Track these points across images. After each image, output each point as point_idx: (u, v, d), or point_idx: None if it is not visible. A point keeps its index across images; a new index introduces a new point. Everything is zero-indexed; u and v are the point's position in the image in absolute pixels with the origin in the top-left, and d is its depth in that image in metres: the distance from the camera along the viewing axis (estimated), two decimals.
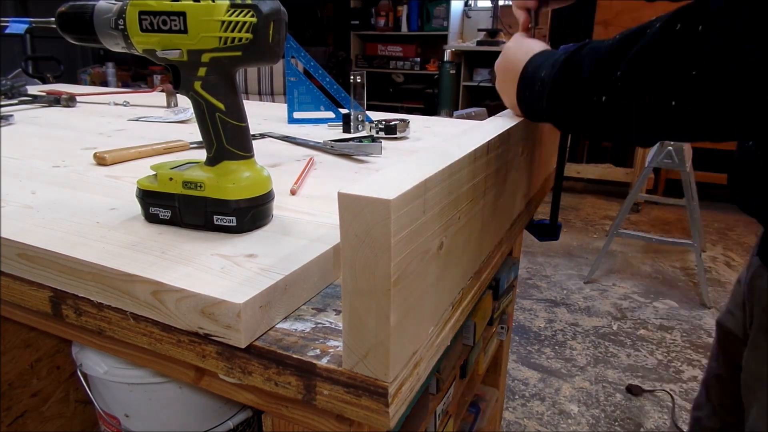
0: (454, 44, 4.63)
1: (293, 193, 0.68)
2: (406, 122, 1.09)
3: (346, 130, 1.14)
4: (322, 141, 0.97)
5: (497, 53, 0.69)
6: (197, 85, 0.51)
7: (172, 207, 0.54)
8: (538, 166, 0.89)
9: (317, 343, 0.41)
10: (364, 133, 1.11)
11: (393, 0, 5.15)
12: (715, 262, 2.84)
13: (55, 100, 1.40)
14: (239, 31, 0.47)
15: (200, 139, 1.00)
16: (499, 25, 4.35)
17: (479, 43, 4.35)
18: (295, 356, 0.39)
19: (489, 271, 0.63)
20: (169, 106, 1.40)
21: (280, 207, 0.62)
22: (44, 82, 2.33)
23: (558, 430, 1.63)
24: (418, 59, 5.16)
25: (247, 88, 3.59)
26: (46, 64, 3.45)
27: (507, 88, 0.64)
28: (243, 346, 0.41)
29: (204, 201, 0.53)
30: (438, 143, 0.50)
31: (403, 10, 5.07)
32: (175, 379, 0.66)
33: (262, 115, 1.34)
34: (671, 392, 1.78)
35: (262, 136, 1.05)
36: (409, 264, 0.36)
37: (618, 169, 3.74)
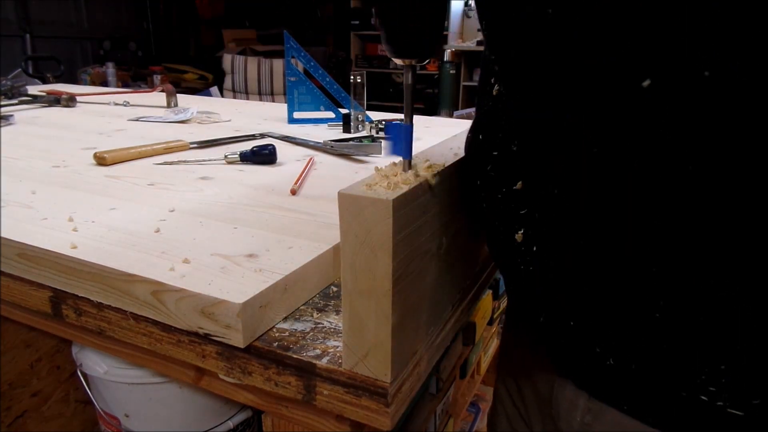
0: (454, 44, 4.63)
1: (293, 193, 0.68)
2: None
3: (346, 130, 1.14)
4: (322, 141, 0.97)
5: None
6: None
7: None
8: None
9: (317, 343, 0.41)
10: (364, 133, 1.11)
11: None
12: None
13: (55, 100, 1.40)
14: None
15: (200, 138, 1.00)
16: None
17: (479, 43, 4.35)
18: (294, 356, 0.39)
19: (489, 271, 0.63)
20: (169, 106, 1.40)
21: (280, 207, 0.62)
22: (44, 82, 2.33)
23: None
24: None
25: (247, 88, 3.59)
26: (46, 64, 3.45)
27: None
28: (243, 346, 0.41)
29: None
30: (438, 143, 0.50)
31: None
32: (175, 379, 0.66)
33: (262, 115, 1.34)
34: None
35: (262, 136, 1.05)
36: (409, 264, 0.36)
37: None
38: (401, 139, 0.37)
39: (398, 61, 0.39)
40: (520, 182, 0.38)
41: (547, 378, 0.46)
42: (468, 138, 0.46)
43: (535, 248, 0.38)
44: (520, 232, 0.39)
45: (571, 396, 0.42)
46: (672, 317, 0.31)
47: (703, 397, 0.32)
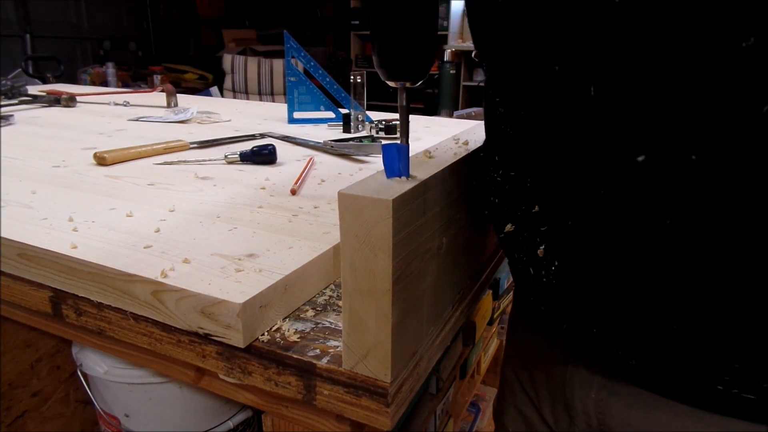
0: (454, 44, 4.63)
1: (293, 193, 0.68)
2: None
3: (346, 130, 1.14)
4: (322, 141, 0.97)
5: None
6: None
7: None
8: None
9: (317, 343, 0.41)
10: (364, 133, 1.11)
11: None
12: None
13: (55, 100, 1.40)
14: None
15: (200, 138, 1.00)
16: None
17: None
18: (295, 356, 0.39)
19: (489, 271, 0.63)
20: (169, 106, 1.40)
21: (280, 207, 0.62)
22: (44, 82, 2.33)
23: None
24: None
25: (247, 88, 3.59)
26: (47, 64, 3.45)
27: None
28: (243, 346, 0.41)
29: None
30: (438, 143, 0.50)
31: None
32: (175, 379, 0.66)
33: (262, 115, 1.34)
34: None
35: (262, 136, 1.05)
36: (409, 264, 0.36)
37: None
38: (398, 159, 0.37)
39: (391, 83, 0.41)
40: (536, 206, 0.39)
41: (560, 361, 0.48)
42: (480, 157, 0.47)
43: (556, 263, 0.39)
44: (541, 247, 0.40)
45: (585, 374, 0.44)
46: (686, 326, 0.34)
47: (719, 387, 0.34)
